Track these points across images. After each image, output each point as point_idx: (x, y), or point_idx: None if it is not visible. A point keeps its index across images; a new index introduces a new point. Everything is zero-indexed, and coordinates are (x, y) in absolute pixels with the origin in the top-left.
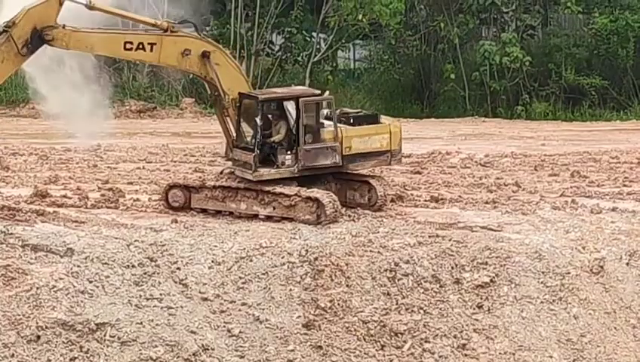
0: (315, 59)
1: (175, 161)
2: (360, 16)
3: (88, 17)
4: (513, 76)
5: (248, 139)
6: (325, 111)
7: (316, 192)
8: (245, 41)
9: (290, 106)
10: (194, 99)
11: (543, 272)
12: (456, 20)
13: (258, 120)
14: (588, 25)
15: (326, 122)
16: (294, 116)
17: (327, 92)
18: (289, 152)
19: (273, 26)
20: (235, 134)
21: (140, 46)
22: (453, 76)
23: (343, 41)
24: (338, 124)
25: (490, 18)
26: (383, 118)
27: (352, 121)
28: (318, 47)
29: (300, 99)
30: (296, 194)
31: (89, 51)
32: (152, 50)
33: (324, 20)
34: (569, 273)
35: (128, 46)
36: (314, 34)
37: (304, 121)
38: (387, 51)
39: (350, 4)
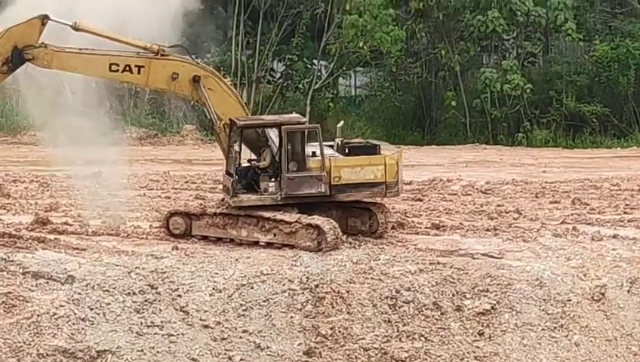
0: (316, 86)
1: (176, 188)
2: (361, 44)
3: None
4: (514, 103)
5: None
6: (338, 140)
7: (317, 219)
8: (246, 68)
9: (272, 134)
10: (195, 127)
11: (544, 300)
12: (457, 48)
13: (236, 146)
14: (589, 52)
15: (326, 151)
16: (277, 143)
17: (342, 122)
18: (273, 179)
19: (274, 54)
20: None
21: (127, 68)
22: (454, 103)
23: (344, 68)
24: (334, 154)
25: (491, 45)
26: (387, 148)
27: (347, 151)
28: (319, 74)
29: (283, 127)
30: (297, 221)
31: (72, 71)
32: (139, 72)
33: (325, 48)
34: (570, 300)
35: (114, 68)
36: (315, 61)
37: (288, 149)
38: (388, 78)
39: (351, 32)
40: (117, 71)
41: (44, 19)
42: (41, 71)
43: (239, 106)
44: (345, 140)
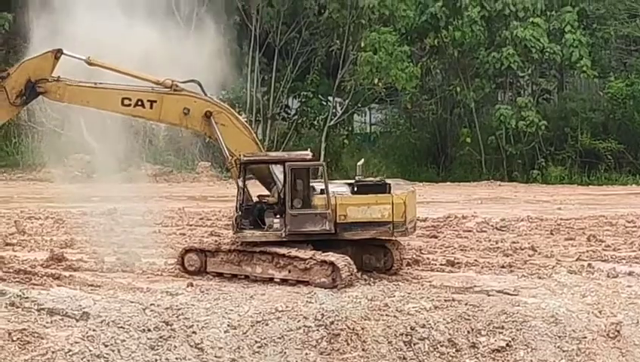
0: (331, 123)
1: (191, 225)
2: (376, 81)
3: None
4: (529, 140)
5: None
6: (358, 178)
7: (332, 256)
8: (261, 105)
9: (277, 170)
10: (210, 163)
11: (559, 336)
12: (472, 84)
13: (240, 181)
14: (604, 89)
15: (340, 189)
16: (282, 180)
17: (362, 160)
18: (278, 216)
19: (289, 90)
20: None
21: (139, 103)
22: (469, 140)
23: (359, 105)
24: (342, 191)
25: (506, 82)
26: (401, 186)
27: (355, 189)
28: (334, 111)
29: (287, 164)
30: (311, 258)
31: (85, 105)
32: (151, 107)
33: (340, 84)
34: (585, 337)
35: (126, 102)
36: (330, 98)
37: (292, 186)
38: (403, 115)
39: (366, 69)
40: (129, 105)
41: (57, 53)
42: (58, 108)
43: (252, 142)
44: (363, 178)
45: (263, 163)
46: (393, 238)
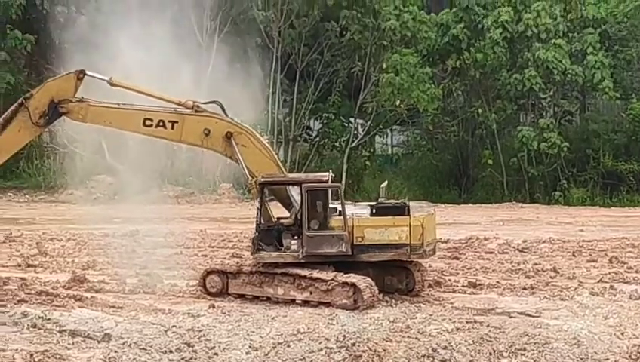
0: (353, 144)
1: (213, 247)
2: (398, 102)
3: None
4: (551, 162)
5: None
6: (381, 200)
7: (353, 277)
8: (283, 126)
9: (294, 192)
10: (231, 185)
11: (581, 359)
12: (493, 106)
13: (257, 202)
14: (626, 110)
15: (360, 211)
16: (299, 201)
17: (386, 182)
18: (295, 237)
19: (311, 112)
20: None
21: (161, 123)
22: (490, 162)
23: (381, 126)
24: (360, 213)
25: (528, 104)
26: (421, 208)
27: (374, 211)
28: (355, 132)
29: (303, 185)
30: (333, 279)
31: (107, 126)
32: (172, 128)
33: (361, 106)
34: (607, 359)
35: (148, 123)
36: (351, 119)
37: (309, 207)
38: (425, 137)
39: (388, 90)
40: (151, 126)
41: (79, 74)
42: (80, 129)
43: (273, 163)
44: (385, 200)
45: (280, 184)
46: (411, 261)
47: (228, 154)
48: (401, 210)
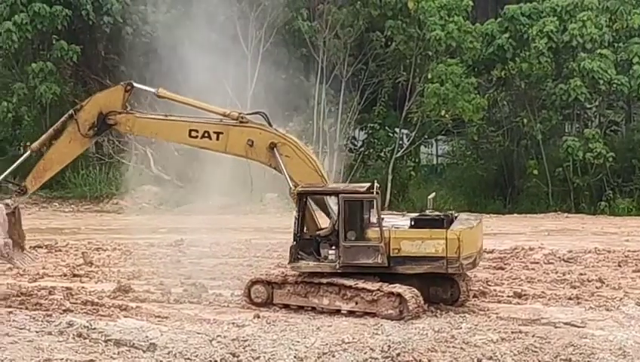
0: (398, 154)
1: (258, 257)
2: (443, 112)
3: None
4: (596, 172)
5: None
6: (428, 212)
7: (399, 288)
8: (328, 136)
9: (331, 202)
10: (277, 195)
11: None
12: (539, 116)
13: (295, 212)
14: None
15: (400, 222)
16: (336, 212)
17: (434, 193)
18: (333, 248)
19: (356, 122)
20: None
21: (206, 134)
22: (536, 172)
23: (426, 136)
24: (400, 225)
25: (574, 114)
26: (464, 220)
27: (413, 223)
28: (400, 142)
29: (340, 195)
30: (378, 290)
31: (153, 137)
32: (217, 138)
33: (406, 116)
34: None
35: (193, 134)
36: (397, 129)
37: (345, 218)
38: (470, 147)
39: (433, 100)
40: (196, 137)
41: (127, 86)
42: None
43: (316, 173)
44: (432, 211)
45: (318, 194)
46: (447, 273)
47: (272, 165)
48: (440, 223)
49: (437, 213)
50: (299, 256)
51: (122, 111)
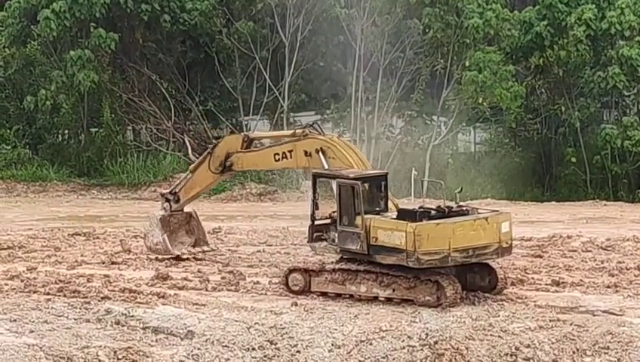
0: (436, 142)
1: (295, 244)
2: (480, 100)
3: None
4: (635, 160)
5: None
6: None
7: (437, 275)
8: (365, 124)
9: (334, 185)
10: None
11: None
12: (577, 104)
13: (310, 193)
14: None
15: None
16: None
17: (461, 188)
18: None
19: (393, 110)
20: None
21: (284, 155)
22: (574, 160)
23: (464, 124)
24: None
25: (612, 101)
26: (493, 211)
27: (397, 213)
28: (438, 130)
29: (336, 180)
30: (416, 277)
31: (254, 168)
32: (290, 156)
33: (444, 104)
34: None
35: (277, 157)
36: (434, 117)
37: (341, 202)
38: (508, 135)
39: (471, 88)
40: (279, 160)
41: (245, 137)
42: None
43: (356, 167)
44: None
45: (326, 177)
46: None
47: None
48: (413, 216)
49: (460, 204)
50: (315, 237)
51: (234, 151)
